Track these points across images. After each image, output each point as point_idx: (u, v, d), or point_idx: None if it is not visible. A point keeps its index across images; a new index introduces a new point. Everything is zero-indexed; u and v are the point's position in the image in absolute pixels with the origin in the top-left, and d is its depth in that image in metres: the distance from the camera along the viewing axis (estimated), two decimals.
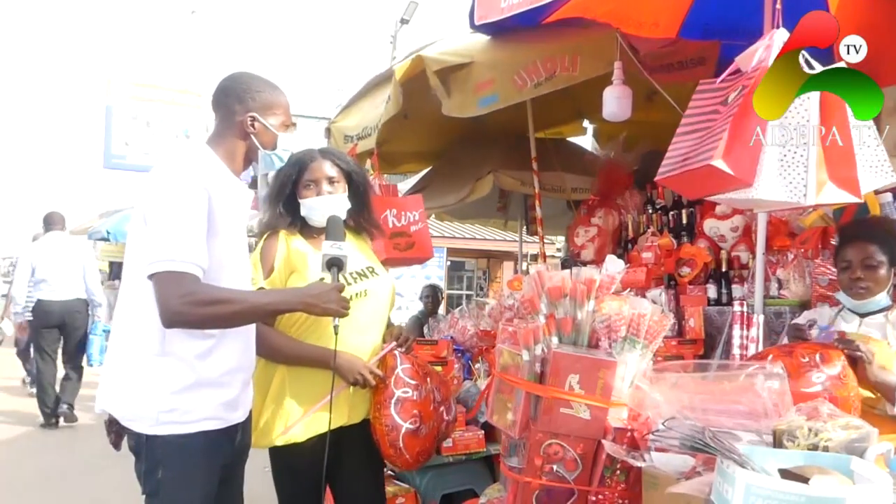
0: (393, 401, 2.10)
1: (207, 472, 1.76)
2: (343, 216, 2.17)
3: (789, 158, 1.74)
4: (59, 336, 5.93)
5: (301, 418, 2.07)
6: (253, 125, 1.85)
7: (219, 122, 1.89)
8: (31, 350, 6.20)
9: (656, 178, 1.95)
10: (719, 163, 1.69)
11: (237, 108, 1.85)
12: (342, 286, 1.90)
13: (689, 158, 1.82)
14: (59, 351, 6.08)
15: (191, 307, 1.62)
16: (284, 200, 2.21)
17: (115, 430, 1.82)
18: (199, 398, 1.73)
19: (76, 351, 6.05)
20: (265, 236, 2.20)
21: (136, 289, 1.71)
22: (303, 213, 2.20)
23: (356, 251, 2.26)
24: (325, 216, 2.12)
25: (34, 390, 6.25)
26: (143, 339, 1.71)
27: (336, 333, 1.93)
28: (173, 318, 1.64)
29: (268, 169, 1.96)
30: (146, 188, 1.74)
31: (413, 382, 2.15)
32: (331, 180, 2.19)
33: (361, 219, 2.31)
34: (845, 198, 1.78)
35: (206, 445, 1.74)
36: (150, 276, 1.63)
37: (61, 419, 5.98)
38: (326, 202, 2.17)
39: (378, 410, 2.12)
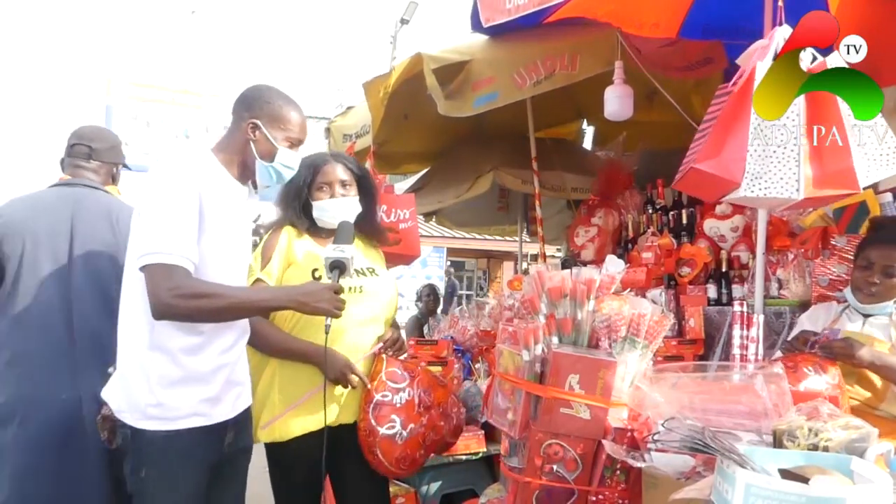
0: (371, 405, 2.08)
1: (192, 471, 1.76)
2: (353, 220, 2.20)
3: (780, 155, 1.76)
4: None
5: (281, 414, 2.07)
6: (254, 132, 1.86)
7: (229, 127, 1.92)
8: None
9: (673, 185, 2.04)
10: (703, 165, 1.78)
11: (244, 114, 1.87)
12: (339, 288, 1.88)
13: (686, 164, 1.89)
14: None
15: (180, 300, 1.64)
16: (297, 202, 2.23)
17: (109, 428, 1.85)
18: (185, 394, 1.74)
19: None
20: (270, 231, 2.23)
21: (131, 284, 1.74)
22: (314, 214, 2.23)
23: (360, 252, 2.26)
24: (336, 218, 2.16)
25: None
26: (136, 332, 1.73)
27: (327, 332, 1.92)
28: (162, 310, 1.66)
29: (265, 181, 1.92)
30: (142, 187, 1.77)
31: (395, 386, 2.12)
32: (343, 183, 2.23)
33: (364, 223, 2.31)
34: (842, 188, 1.79)
35: (191, 444, 1.74)
36: (142, 269, 1.66)
37: None
38: (339, 204, 2.21)
39: (360, 414, 2.11)
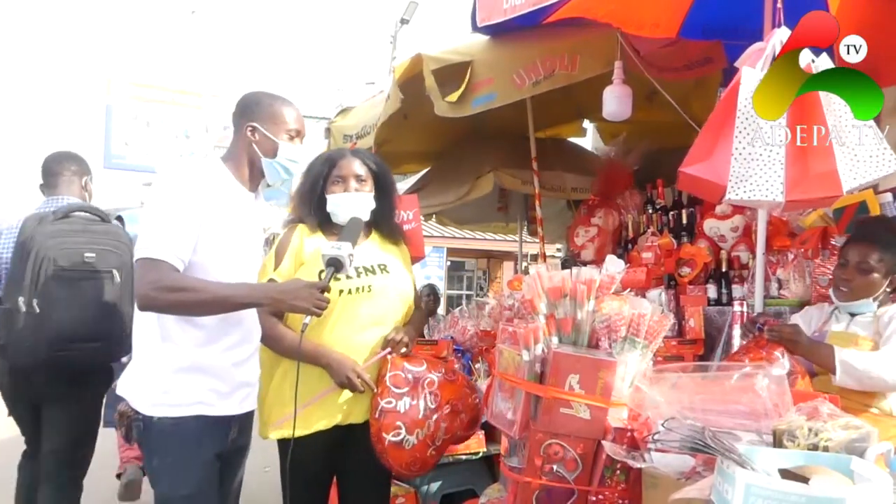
0: (378, 410, 2.05)
1: (198, 460, 1.81)
2: (367, 216, 2.19)
3: (765, 157, 1.77)
4: None
5: (292, 413, 2.05)
6: (254, 134, 1.93)
7: (232, 138, 2.00)
8: None
9: (677, 186, 2.11)
10: (691, 169, 1.82)
11: (242, 121, 1.95)
12: (324, 286, 1.86)
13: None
14: None
15: (157, 292, 1.73)
16: (313, 196, 2.22)
17: (126, 424, 1.93)
18: (192, 382, 1.81)
19: None
20: (286, 229, 2.24)
21: None
22: (329, 208, 2.21)
23: (375, 248, 2.25)
24: (349, 212, 2.15)
25: None
26: (149, 325, 1.82)
27: (303, 331, 1.90)
28: (143, 302, 1.76)
29: (274, 178, 1.98)
30: (150, 191, 1.88)
31: (399, 392, 2.07)
32: (359, 178, 2.22)
33: (380, 220, 2.29)
34: (824, 192, 1.80)
35: (196, 432, 1.80)
36: (135, 263, 1.78)
37: None
38: (352, 199, 2.19)
39: (370, 419, 2.08)
